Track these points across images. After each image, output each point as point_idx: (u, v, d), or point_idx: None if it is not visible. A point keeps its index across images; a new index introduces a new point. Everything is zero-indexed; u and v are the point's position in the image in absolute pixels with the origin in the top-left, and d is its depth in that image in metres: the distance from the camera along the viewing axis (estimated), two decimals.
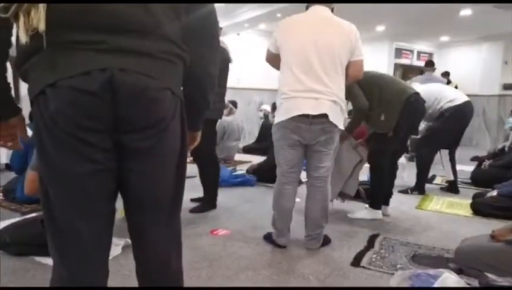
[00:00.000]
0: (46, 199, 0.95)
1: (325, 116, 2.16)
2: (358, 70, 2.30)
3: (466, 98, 3.78)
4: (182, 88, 1.05)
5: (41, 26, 0.83)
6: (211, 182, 3.16)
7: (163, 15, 0.94)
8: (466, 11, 5.85)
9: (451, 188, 4.05)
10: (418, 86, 3.75)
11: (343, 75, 2.26)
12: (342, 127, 2.28)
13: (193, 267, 2.07)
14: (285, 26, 2.30)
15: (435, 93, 3.73)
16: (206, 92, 1.13)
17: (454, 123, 3.74)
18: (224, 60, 2.94)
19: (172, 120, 0.97)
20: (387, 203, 3.16)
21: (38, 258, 2.07)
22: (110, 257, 1.08)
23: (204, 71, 1.09)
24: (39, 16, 0.83)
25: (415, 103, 2.90)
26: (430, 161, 3.92)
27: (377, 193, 3.06)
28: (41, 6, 0.83)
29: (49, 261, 1.16)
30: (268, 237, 2.48)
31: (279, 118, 2.25)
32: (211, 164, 3.12)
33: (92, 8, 0.87)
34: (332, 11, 2.32)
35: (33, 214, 2.57)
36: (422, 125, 4.06)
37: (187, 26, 1.01)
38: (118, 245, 2.14)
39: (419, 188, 3.90)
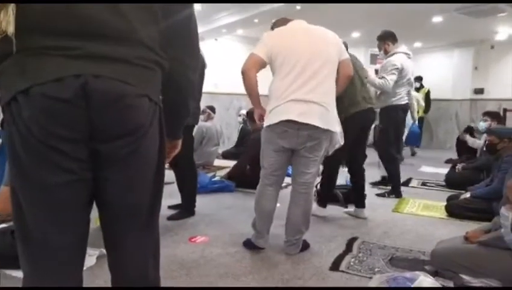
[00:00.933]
0: (18, 208, 0.92)
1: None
2: (348, 68, 2.37)
3: (406, 101, 3.90)
4: (161, 95, 1.04)
5: (10, 29, 0.81)
6: (189, 188, 3.12)
7: (138, 20, 0.92)
8: (437, 18, 6.01)
9: (382, 182, 4.20)
10: (402, 55, 3.85)
11: (334, 79, 2.31)
12: (337, 129, 2.29)
13: (170, 276, 2.04)
14: (281, 35, 2.31)
15: (408, 73, 3.85)
16: (186, 99, 1.11)
17: (391, 121, 3.86)
18: (201, 65, 2.93)
19: (150, 127, 0.95)
20: (362, 206, 3.22)
21: (8, 271, 1.98)
22: (84, 268, 1.05)
23: (184, 78, 1.07)
24: (8, 19, 0.81)
25: (357, 119, 2.94)
26: (395, 160, 3.96)
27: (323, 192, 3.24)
28: (11, 9, 0.81)
29: (19, 274, 1.11)
30: (247, 243, 2.47)
31: (268, 121, 2.25)
32: (189, 170, 3.09)
33: (63, 12, 0.84)
34: None
35: (2, 225, 2.47)
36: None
37: (166, 32, 0.99)
38: (93, 255, 2.08)
39: (395, 191, 3.96)
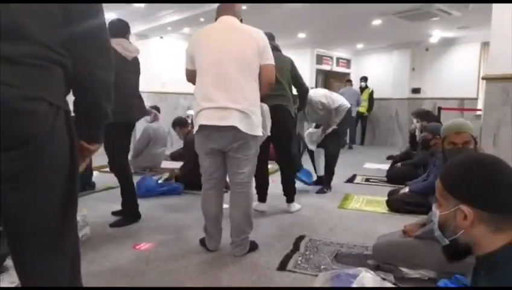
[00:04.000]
0: None
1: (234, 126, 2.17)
2: (270, 75, 2.31)
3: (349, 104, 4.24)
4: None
5: None
6: (127, 193, 2.96)
7: (29, 15, 0.82)
8: (377, 20, 6.30)
9: (321, 181, 4.35)
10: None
11: (257, 81, 2.28)
12: (259, 133, 2.28)
13: (112, 285, 1.94)
14: (197, 38, 2.30)
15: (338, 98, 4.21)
16: (99, 100, 1.01)
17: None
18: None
19: (50, 135, 0.85)
20: (289, 201, 3.41)
21: None
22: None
23: (92, 77, 0.98)
24: None
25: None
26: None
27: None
28: None
29: None
30: (202, 242, 2.47)
31: (195, 127, 2.29)
32: (124, 174, 2.93)
33: None
34: (241, 22, 2.38)
35: None
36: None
37: (68, 29, 0.90)
38: None
39: (329, 182, 4.22)
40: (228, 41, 2.21)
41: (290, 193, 3.42)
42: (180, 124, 4.91)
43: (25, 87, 0.81)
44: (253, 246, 2.45)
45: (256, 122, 2.25)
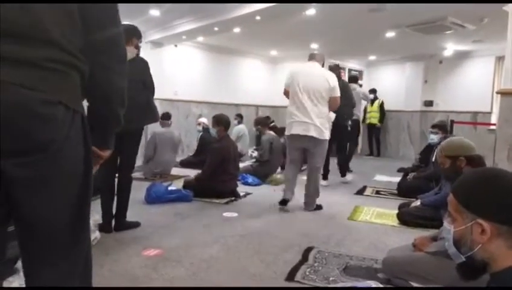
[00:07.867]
0: None
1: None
2: (335, 104, 3.75)
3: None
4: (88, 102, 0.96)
5: None
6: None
7: (50, 20, 0.83)
8: (390, 33, 6.29)
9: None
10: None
11: (327, 105, 3.69)
12: (327, 137, 3.71)
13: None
14: (296, 70, 3.77)
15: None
16: (114, 106, 1.02)
17: None
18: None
19: (66, 141, 0.85)
20: (343, 175, 5.46)
21: None
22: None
23: (109, 84, 0.98)
24: None
25: (337, 121, 4.67)
26: None
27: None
28: None
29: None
30: (282, 202, 3.77)
31: (287, 132, 3.76)
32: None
33: None
34: (322, 65, 3.85)
35: None
36: None
37: (88, 35, 0.91)
38: None
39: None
40: (312, 79, 3.64)
41: (342, 171, 5.42)
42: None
43: (45, 90, 0.81)
44: (319, 207, 3.84)
45: (325, 131, 3.67)
